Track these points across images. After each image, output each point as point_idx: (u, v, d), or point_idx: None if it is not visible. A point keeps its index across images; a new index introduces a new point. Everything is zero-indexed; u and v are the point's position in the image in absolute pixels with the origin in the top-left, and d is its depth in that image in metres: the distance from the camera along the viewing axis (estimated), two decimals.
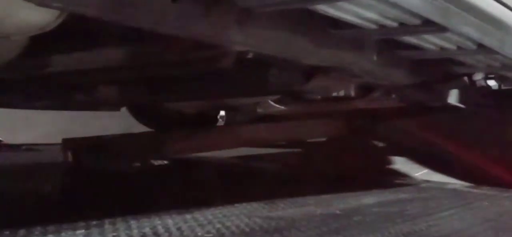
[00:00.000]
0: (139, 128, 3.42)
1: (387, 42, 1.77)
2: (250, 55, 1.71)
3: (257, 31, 1.43)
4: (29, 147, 3.61)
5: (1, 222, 1.42)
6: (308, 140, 3.59)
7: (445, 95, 2.32)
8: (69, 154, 2.83)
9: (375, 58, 1.83)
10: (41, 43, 1.41)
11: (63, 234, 1.38)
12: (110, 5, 1.12)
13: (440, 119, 2.90)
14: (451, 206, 2.04)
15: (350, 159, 3.05)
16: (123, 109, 3.36)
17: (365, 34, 1.56)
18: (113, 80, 2.32)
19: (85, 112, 3.45)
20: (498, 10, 1.62)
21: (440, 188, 2.50)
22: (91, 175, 2.59)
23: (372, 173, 2.89)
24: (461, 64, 2.06)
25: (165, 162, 3.10)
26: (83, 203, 1.89)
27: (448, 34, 1.55)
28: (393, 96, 2.55)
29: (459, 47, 1.74)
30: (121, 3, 1.13)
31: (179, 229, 1.47)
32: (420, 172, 2.88)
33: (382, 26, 1.47)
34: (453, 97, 2.34)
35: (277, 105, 2.98)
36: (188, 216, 1.61)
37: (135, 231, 1.43)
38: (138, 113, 3.45)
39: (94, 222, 1.48)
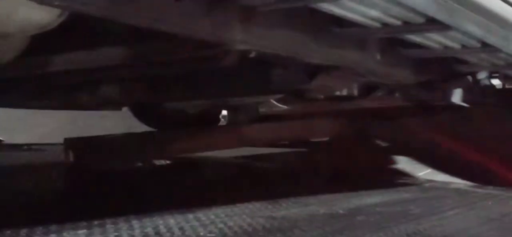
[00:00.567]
0: (140, 127, 3.42)
1: (391, 41, 1.77)
2: (252, 54, 1.70)
3: (260, 30, 1.43)
4: (30, 147, 3.61)
5: (3, 222, 1.42)
6: (311, 140, 3.58)
7: (449, 94, 2.32)
8: (71, 154, 2.83)
9: (378, 57, 1.83)
10: (42, 42, 1.41)
11: (65, 234, 1.38)
12: (112, 3, 1.12)
13: (444, 119, 2.89)
14: (455, 206, 2.04)
15: (353, 158, 3.05)
16: (125, 109, 3.36)
17: (368, 32, 1.56)
18: (114, 80, 2.32)
19: (87, 112, 3.45)
20: (502, 8, 1.62)
21: (443, 187, 2.50)
22: (93, 175, 2.59)
23: (375, 173, 2.88)
24: (465, 62, 2.06)
25: (167, 162, 3.09)
26: (85, 203, 1.89)
27: (452, 33, 1.55)
28: (397, 95, 2.55)
29: (463, 46, 1.74)
30: (122, 1, 1.13)
31: (181, 229, 1.47)
32: (423, 172, 2.88)
33: (386, 25, 1.47)
34: (457, 96, 2.34)
35: (280, 105, 2.98)
36: (190, 216, 1.61)
37: (137, 231, 1.43)
38: (140, 113, 3.45)
39: (96, 222, 1.48)
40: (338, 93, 2.40)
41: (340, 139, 3.38)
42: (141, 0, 1.17)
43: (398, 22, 1.45)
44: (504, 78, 2.72)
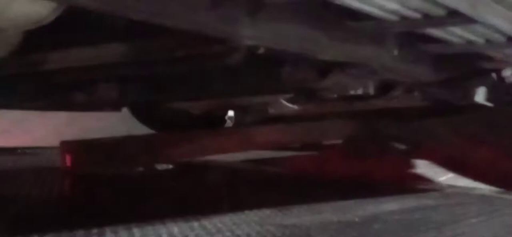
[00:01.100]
0: (141, 129, 3.42)
1: (409, 36, 1.77)
2: (261, 50, 1.71)
3: (269, 24, 1.43)
4: (25, 151, 3.63)
5: None
6: (324, 143, 3.58)
7: (471, 93, 2.31)
8: (68, 158, 2.84)
9: (396, 53, 1.83)
10: (37, 38, 1.42)
11: None
12: None
13: (466, 119, 2.88)
14: (479, 213, 2.02)
15: (369, 162, 3.04)
16: (124, 110, 3.37)
17: (385, 26, 1.55)
18: (113, 78, 2.32)
19: (84, 113, 3.46)
20: None
21: (466, 193, 2.48)
22: (91, 180, 2.60)
23: (393, 178, 2.87)
24: (489, 59, 2.05)
25: (170, 166, 3.10)
26: (82, 210, 1.90)
27: (475, 26, 1.54)
28: (416, 94, 2.55)
29: (487, 40, 1.73)
30: None
31: None
32: (445, 177, 2.86)
33: (404, 18, 1.46)
34: (480, 95, 2.33)
35: (290, 105, 2.98)
36: (195, 224, 1.61)
37: None
38: (140, 114, 3.46)
39: (95, 230, 1.48)
40: (352, 92, 2.39)
41: (354, 141, 3.37)
42: None
43: (418, 15, 1.45)
44: None
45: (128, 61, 1.89)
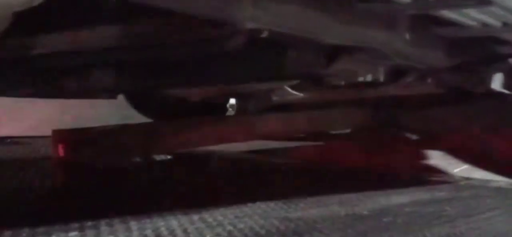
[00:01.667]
0: (137, 118, 3.43)
1: (422, 18, 1.76)
2: (264, 34, 1.70)
3: (272, 5, 1.43)
4: (15, 140, 3.64)
5: None
6: (331, 132, 3.58)
7: (487, 80, 2.31)
8: (60, 148, 2.85)
9: (408, 36, 1.82)
10: (26, 21, 1.42)
11: (54, 236, 1.38)
12: None
13: (482, 107, 2.88)
14: (495, 206, 2.03)
15: (379, 153, 3.05)
16: (120, 97, 3.37)
17: (397, 8, 1.55)
18: (108, 64, 2.32)
19: (77, 101, 3.46)
20: None
21: (482, 186, 2.49)
22: (85, 171, 2.61)
23: (404, 169, 2.88)
24: (507, 43, 2.04)
25: (168, 156, 3.11)
26: (76, 202, 1.90)
27: (492, 8, 1.54)
28: (429, 81, 2.54)
29: (504, 24, 1.73)
30: None
31: (185, 231, 1.48)
32: (459, 168, 2.87)
33: None
34: (496, 82, 2.32)
35: (295, 92, 2.98)
36: (195, 217, 1.62)
37: (135, 234, 1.43)
38: (137, 101, 3.47)
39: (89, 223, 1.48)
40: (361, 78, 2.39)
41: (364, 131, 3.38)
42: None
43: None
44: None
45: (123, 46, 1.89)
